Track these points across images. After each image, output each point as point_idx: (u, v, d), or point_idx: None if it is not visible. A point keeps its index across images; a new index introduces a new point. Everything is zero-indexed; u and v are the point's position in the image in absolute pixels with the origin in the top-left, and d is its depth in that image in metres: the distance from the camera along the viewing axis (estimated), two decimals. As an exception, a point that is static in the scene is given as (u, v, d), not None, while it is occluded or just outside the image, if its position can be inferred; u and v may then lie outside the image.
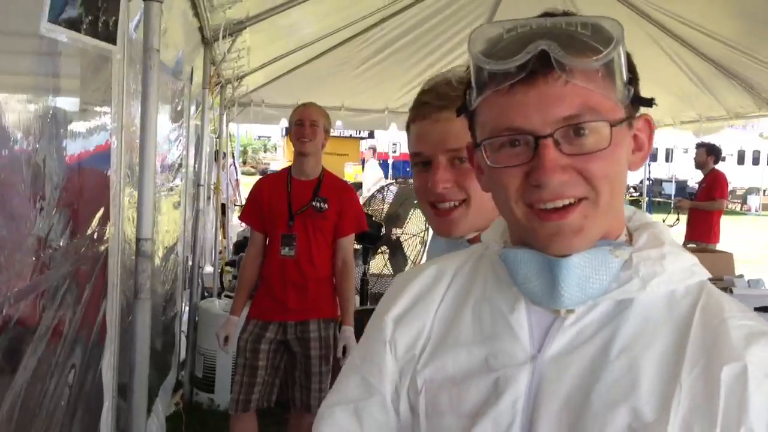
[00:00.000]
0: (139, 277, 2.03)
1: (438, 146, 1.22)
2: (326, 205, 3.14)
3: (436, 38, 6.17)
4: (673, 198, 17.02)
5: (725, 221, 7.43)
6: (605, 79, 0.78)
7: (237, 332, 3.21)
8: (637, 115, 0.85)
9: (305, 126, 3.10)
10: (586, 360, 0.80)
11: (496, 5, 5.71)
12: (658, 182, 22.54)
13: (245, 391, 3.10)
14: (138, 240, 2.02)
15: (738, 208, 21.94)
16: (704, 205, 7.10)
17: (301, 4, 4.11)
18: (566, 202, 0.78)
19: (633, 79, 0.82)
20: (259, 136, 33.73)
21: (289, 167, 3.28)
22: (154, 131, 1.99)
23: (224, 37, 3.91)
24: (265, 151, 34.24)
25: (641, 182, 14.29)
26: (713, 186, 7.13)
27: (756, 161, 26.98)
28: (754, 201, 20.07)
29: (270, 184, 3.27)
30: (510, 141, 0.80)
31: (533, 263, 0.83)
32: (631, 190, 17.69)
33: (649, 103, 0.83)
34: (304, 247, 3.12)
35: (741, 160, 26.59)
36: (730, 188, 9.87)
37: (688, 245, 6.39)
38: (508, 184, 0.81)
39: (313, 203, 3.13)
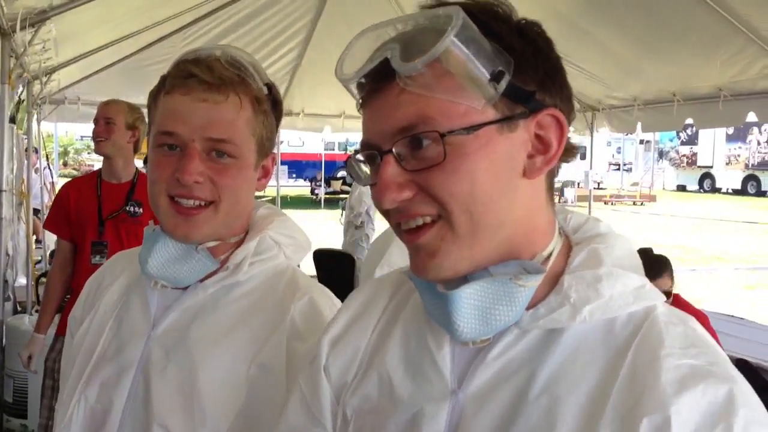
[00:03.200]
0: None
1: (198, 131, 1.03)
2: (141, 210, 2.95)
3: (265, 33, 6.06)
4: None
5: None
6: (451, 79, 0.68)
7: (44, 351, 2.95)
8: (539, 110, 0.71)
9: (99, 124, 2.91)
10: (507, 398, 0.71)
11: (323, 1, 5.73)
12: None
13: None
14: None
15: (557, 200, 23.63)
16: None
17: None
18: (419, 221, 0.71)
19: (513, 69, 0.68)
20: (82, 137, 31.48)
21: (99, 170, 3.06)
22: None
23: (24, 27, 3.56)
24: (88, 153, 31.98)
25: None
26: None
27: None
28: (569, 193, 21.80)
29: (77, 189, 3.03)
30: (367, 157, 0.74)
31: (427, 291, 0.74)
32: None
33: (526, 97, 0.70)
34: (118, 255, 2.91)
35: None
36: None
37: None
38: (375, 204, 0.73)
39: (127, 208, 2.94)
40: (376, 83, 0.71)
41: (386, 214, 0.74)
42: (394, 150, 0.70)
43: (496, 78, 0.67)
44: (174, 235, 1.07)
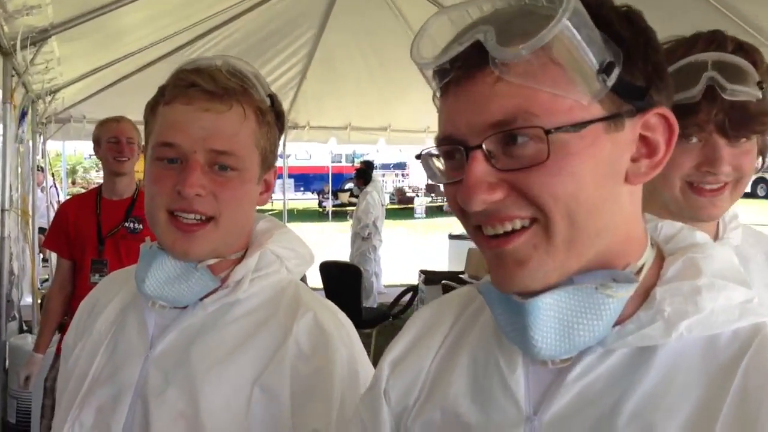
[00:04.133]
0: None
1: (200, 142, 0.98)
2: (141, 225, 2.91)
3: (270, 47, 6.07)
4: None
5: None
6: (556, 69, 0.60)
7: (44, 371, 2.91)
8: (646, 109, 0.64)
9: (121, 143, 2.90)
10: (588, 426, 0.64)
11: (327, 14, 5.74)
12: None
13: (56, 435, 2.80)
14: None
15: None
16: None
17: (115, 10, 3.83)
18: (508, 227, 0.63)
19: (623, 61, 0.62)
20: (90, 155, 31.77)
21: (99, 187, 3.03)
22: None
23: (25, 47, 3.56)
24: (97, 171, 32.29)
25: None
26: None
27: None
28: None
29: (76, 206, 3.00)
30: (446, 153, 0.66)
31: (502, 303, 0.67)
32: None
33: (640, 93, 0.63)
34: (117, 274, 2.89)
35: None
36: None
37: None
38: (452, 204, 0.67)
39: (126, 224, 2.90)
40: (464, 70, 0.63)
41: (463, 215, 0.66)
42: (484, 146, 0.62)
43: (605, 70, 0.61)
44: (173, 251, 1.02)
